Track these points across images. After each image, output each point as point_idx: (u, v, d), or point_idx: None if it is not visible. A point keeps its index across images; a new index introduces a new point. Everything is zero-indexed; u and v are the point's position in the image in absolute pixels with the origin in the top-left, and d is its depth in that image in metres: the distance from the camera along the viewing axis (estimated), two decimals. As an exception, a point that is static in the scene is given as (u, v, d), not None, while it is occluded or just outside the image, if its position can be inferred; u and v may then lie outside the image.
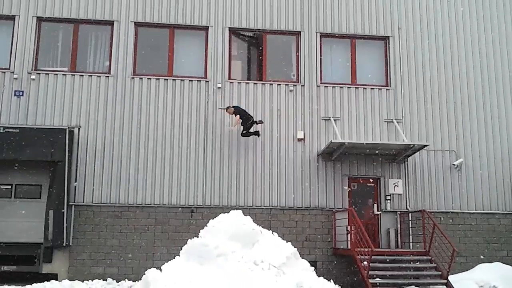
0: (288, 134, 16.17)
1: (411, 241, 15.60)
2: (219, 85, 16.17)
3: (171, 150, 15.64)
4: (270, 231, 13.73)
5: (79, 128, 15.43)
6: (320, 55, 16.86)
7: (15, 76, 15.54)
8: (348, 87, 16.67)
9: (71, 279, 14.38)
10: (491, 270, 14.39)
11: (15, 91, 15.50)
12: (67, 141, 14.84)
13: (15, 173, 15.17)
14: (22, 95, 15.50)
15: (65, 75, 15.80)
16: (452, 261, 12.92)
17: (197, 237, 13.19)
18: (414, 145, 15.28)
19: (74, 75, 15.82)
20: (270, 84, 16.44)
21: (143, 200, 15.28)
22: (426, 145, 15.54)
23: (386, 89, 16.79)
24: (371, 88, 16.74)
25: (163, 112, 15.86)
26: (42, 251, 14.65)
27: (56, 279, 14.38)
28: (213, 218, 13.36)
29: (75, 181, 15.13)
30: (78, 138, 15.36)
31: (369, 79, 16.99)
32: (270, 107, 16.27)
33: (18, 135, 14.70)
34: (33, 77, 15.58)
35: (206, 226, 13.20)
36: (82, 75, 15.84)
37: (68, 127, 15.15)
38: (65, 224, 14.53)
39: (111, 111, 15.68)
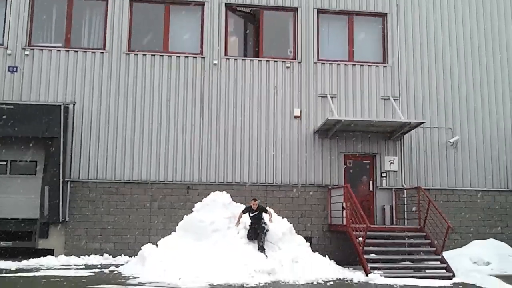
0: (285, 111, 16.11)
1: (406, 217, 15.67)
2: (215, 62, 16.04)
3: (167, 126, 15.58)
4: (267, 207, 13.83)
5: (74, 105, 15.33)
6: (317, 32, 16.72)
7: (8, 51, 15.37)
8: (345, 64, 16.57)
9: (67, 254, 14.50)
10: (485, 247, 14.52)
11: (9, 67, 15.36)
12: (62, 118, 14.76)
13: (10, 149, 15.08)
14: (16, 71, 15.36)
15: (60, 51, 15.64)
16: (446, 238, 13.01)
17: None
18: (410, 122, 15.27)
19: (68, 51, 15.66)
20: (267, 61, 16.32)
21: (139, 176, 15.28)
22: (422, 123, 15.53)
23: (383, 66, 16.69)
24: (368, 65, 16.65)
25: (158, 88, 15.75)
26: (38, 227, 14.71)
27: (53, 255, 14.50)
28: (209, 195, 13.49)
29: (71, 158, 15.07)
30: (73, 114, 15.27)
31: (366, 56, 16.89)
32: (266, 84, 16.17)
33: (13, 111, 14.63)
34: (27, 53, 15.42)
35: (201, 202, 13.28)
36: (77, 51, 15.68)
37: (63, 104, 15.05)
38: (61, 200, 14.56)
39: (106, 88, 15.57)
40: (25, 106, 14.88)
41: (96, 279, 11.01)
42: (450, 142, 16.40)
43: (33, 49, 15.53)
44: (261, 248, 12.08)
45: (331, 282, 11.22)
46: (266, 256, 11.88)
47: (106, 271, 12.30)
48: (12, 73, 15.32)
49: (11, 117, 14.49)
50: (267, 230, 12.42)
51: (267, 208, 12.96)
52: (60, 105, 14.92)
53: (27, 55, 15.41)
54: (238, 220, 12.69)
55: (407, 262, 13.15)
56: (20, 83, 15.30)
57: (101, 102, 15.49)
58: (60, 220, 14.62)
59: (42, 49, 15.56)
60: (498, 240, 15.10)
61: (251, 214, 12.57)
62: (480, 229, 16.07)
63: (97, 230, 14.93)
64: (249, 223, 12.58)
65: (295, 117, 16.08)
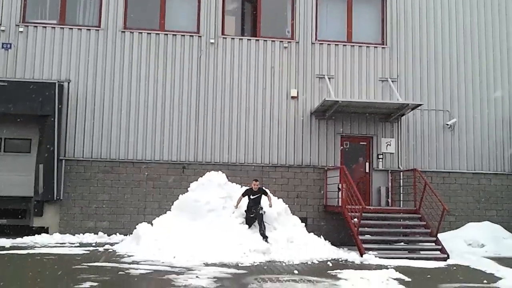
0: (282, 92, 15.98)
1: (401, 199, 15.68)
2: (212, 41, 15.84)
3: (163, 105, 15.45)
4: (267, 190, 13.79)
5: (68, 82, 15.15)
6: (316, 12, 16.49)
7: (2, 28, 15.13)
8: (344, 45, 16.40)
9: (62, 232, 14.47)
10: (480, 229, 14.56)
11: (3, 43, 15.13)
12: (56, 95, 14.61)
13: (4, 127, 14.97)
14: (10, 47, 15.14)
15: (54, 28, 15.41)
16: (442, 220, 13.00)
17: (188, 192, 13.25)
18: (408, 104, 15.16)
19: (63, 28, 15.43)
20: (264, 40, 16.13)
21: (135, 155, 15.19)
22: (420, 105, 15.41)
23: (382, 48, 16.53)
24: (367, 46, 16.49)
25: (154, 67, 15.57)
26: (32, 205, 14.65)
27: (47, 233, 14.47)
28: (204, 175, 13.45)
29: (65, 136, 14.96)
30: (68, 92, 15.11)
31: (364, 37, 16.71)
32: (263, 64, 16.01)
33: (6, 88, 14.45)
34: (21, 29, 15.18)
35: (197, 181, 13.23)
36: (72, 28, 15.45)
37: (58, 81, 14.88)
38: (55, 179, 14.48)
39: (101, 66, 15.38)
40: (19, 83, 14.70)
41: (90, 257, 10.99)
42: (448, 124, 16.33)
43: (27, 25, 15.29)
44: (264, 236, 12.00)
45: (326, 262, 11.23)
46: (270, 243, 11.83)
47: (101, 249, 12.29)
48: (6, 49, 15.11)
49: (5, 94, 14.32)
50: (264, 212, 12.38)
51: (267, 191, 12.90)
52: (55, 83, 14.74)
53: (21, 31, 15.18)
54: (237, 204, 12.65)
55: (402, 244, 13.16)
56: (14, 60, 15.08)
57: (96, 80, 15.31)
58: (55, 199, 14.56)
59: (36, 26, 15.33)
60: (493, 222, 15.13)
61: (252, 197, 12.49)
62: (476, 211, 16.09)
63: (92, 209, 14.88)
64: (246, 208, 12.51)
65: (292, 97, 15.95)
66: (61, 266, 9.81)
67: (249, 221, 12.42)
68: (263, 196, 12.63)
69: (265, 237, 11.99)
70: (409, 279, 9.33)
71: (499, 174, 16.49)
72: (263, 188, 13.06)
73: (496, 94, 16.51)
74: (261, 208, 12.38)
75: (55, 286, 7.95)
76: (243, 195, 12.65)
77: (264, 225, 12.20)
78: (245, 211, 12.51)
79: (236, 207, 12.64)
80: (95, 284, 8.15)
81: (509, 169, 16.58)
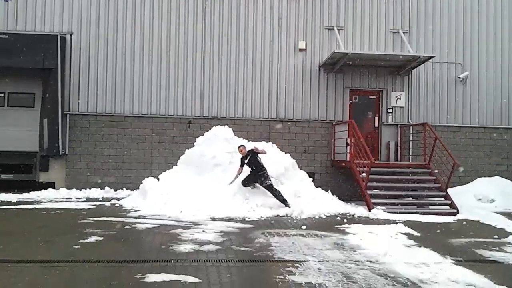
0: (289, 44, 15.54)
1: (411, 154, 15.46)
2: (218, -9, 15.33)
3: (168, 58, 15.09)
4: (270, 143, 13.63)
5: (71, 35, 14.80)
6: (325, -41, 15.86)
7: (1, -22, 14.69)
8: (354, -5, 15.83)
9: (68, 187, 14.45)
10: (490, 184, 14.38)
11: (3, -5, 14.73)
12: (59, 48, 14.28)
13: (7, 81, 14.71)
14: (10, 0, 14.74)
15: (55, -22, 14.93)
16: (452, 174, 12.78)
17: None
18: (420, 56, 14.70)
19: (64, -22, 14.95)
20: (272, -10, 15.59)
21: (140, 109, 14.96)
22: (432, 57, 14.94)
23: (393, -3, 15.97)
24: (378, -4, 15.92)
25: (159, 20, 15.12)
26: (38, 160, 14.56)
27: (54, 188, 14.46)
28: (210, 129, 13.24)
29: (69, 90, 14.71)
30: (71, 45, 14.79)
31: (375, -14, 16.10)
32: (271, 15, 15.50)
33: (7, 41, 14.11)
34: (20, -20, 14.74)
35: (203, 136, 13.05)
36: (73, -21, 14.97)
37: (60, 34, 14.53)
38: (60, 133, 14.33)
39: (104, 18, 14.96)
40: (20, 35, 14.36)
41: (96, 212, 10.95)
42: (460, 77, 15.93)
43: (27, -24, 14.81)
44: (283, 201, 11.55)
45: (334, 217, 11.13)
46: (290, 206, 11.46)
47: (107, 204, 12.26)
48: (6, 1, 14.67)
49: (6, 47, 13.98)
50: (269, 183, 11.65)
51: (256, 147, 12.08)
52: (57, 35, 14.40)
53: (21, -18, 14.73)
54: (237, 175, 11.85)
55: (411, 198, 13.01)
56: (14, 11, 14.69)
57: (99, 33, 14.93)
58: (60, 153, 14.46)
59: (36, -24, 14.85)
60: (503, 178, 14.91)
61: (246, 162, 11.81)
62: (486, 166, 15.90)
63: (98, 164, 14.79)
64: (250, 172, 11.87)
65: (300, 50, 15.52)
66: (67, 221, 9.78)
67: (249, 181, 11.79)
68: (258, 156, 11.84)
69: (284, 202, 11.55)
70: (418, 234, 9.21)
71: (510, 128, 16.17)
72: (252, 149, 11.97)
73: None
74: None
75: (61, 240, 7.87)
76: (241, 165, 11.87)
77: (277, 192, 11.64)
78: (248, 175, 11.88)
79: (235, 178, 11.78)
80: (101, 238, 8.09)
81: (521, 124, 16.28)
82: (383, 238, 8.69)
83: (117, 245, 7.70)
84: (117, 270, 6.26)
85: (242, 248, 7.62)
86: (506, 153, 16.06)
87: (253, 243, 8.03)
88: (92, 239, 8.00)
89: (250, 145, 12.46)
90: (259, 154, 11.80)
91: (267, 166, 12.02)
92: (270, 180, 11.70)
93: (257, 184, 11.78)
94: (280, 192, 11.64)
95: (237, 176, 11.81)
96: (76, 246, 7.47)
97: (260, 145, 12.52)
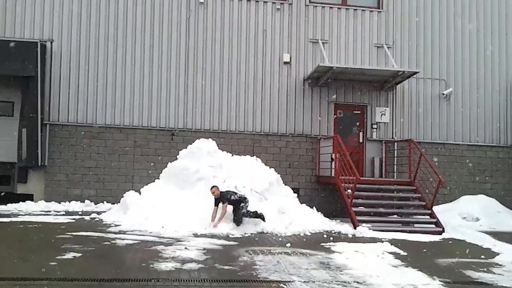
0: (274, 57, 15.42)
1: (395, 170, 15.39)
2: (202, 0, 15.13)
3: (151, 68, 14.85)
4: (254, 157, 13.44)
5: (51, 42, 14.48)
6: (310, -28, 15.83)
7: (-19, -16, 14.35)
8: (338, 8, 15.79)
9: (47, 200, 14.05)
10: (474, 202, 14.36)
11: (-18, 1, 14.37)
12: (39, 56, 13.95)
13: (-16, 89, 14.34)
14: (-11, 4, 14.39)
15: (36, -16, 14.63)
16: (437, 192, 12.69)
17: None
18: (404, 71, 14.68)
19: (45, -16, 14.66)
20: (256, 1, 15.44)
21: (122, 121, 14.66)
22: (416, 72, 14.93)
23: (378, 12, 15.95)
24: (362, 10, 15.90)
25: (141, 28, 14.90)
26: (16, 171, 14.15)
27: (32, 200, 14.05)
28: (194, 142, 12.99)
29: (49, 99, 14.35)
30: (51, 52, 14.45)
31: (360, 0, 16.08)
32: (255, 27, 15.39)
33: (-14, 47, 13.75)
34: (1, -14, 14.42)
35: (186, 149, 12.81)
36: (55, -15, 14.69)
37: (40, 41, 14.20)
38: (39, 144, 13.94)
39: (86, 25, 14.67)
40: (-1, 42, 14.00)
41: (76, 226, 10.62)
42: (444, 94, 15.95)
43: (8, -18, 14.49)
44: (238, 221, 10.89)
45: (319, 234, 10.95)
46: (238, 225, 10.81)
47: (87, 218, 11.93)
48: (-15, 8, 14.34)
49: (-16, 54, 13.63)
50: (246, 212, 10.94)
51: (224, 198, 10.82)
52: (37, 42, 14.07)
53: (1, -12, 14.40)
54: (213, 217, 10.79)
55: (396, 216, 12.87)
56: (-7, 18, 14.35)
57: (81, 40, 14.63)
58: (39, 165, 14.06)
59: (17, -18, 14.53)
60: (487, 196, 14.90)
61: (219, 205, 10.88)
62: (470, 184, 15.87)
63: (78, 176, 14.42)
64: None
65: (285, 63, 15.41)
66: (44, 235, 9.43)
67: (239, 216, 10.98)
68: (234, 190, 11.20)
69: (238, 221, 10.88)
70: (405, 253, 9.07)
71: (494, 146, 16.24)
72: (226, 193, 10.92)
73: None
74: (244, 207, 10.90)
75: (37, 256, 7.55)
76: (215, 205, 10.86)
77: (241, 216, 10.87)
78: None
79: (213, 220, 10.73)
80: (79, 254, 7.78)
81: (505, 142, 16.33)
82: (370, 258, 8.54)
83: (95, 262, 7.40)
84: (95, 291, 5.99)
85: (226, 267, 7.39)
86: (490, 171, 16.07)
87: (237, 262, 7.80)
88: (70, 255, 7.69)
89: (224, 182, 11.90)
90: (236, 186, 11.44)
91: (250, 180, 11.86)
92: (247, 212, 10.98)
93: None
94: (242, 217, 10.90)
95: (216, 216, 10.79)
96: (53, 263, 7.16)
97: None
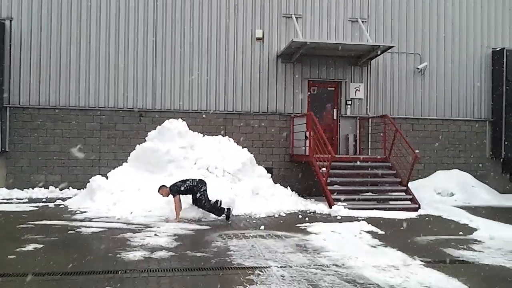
0: (246, 33, 14.91)
1: (370, 147, 15.15)
2: (170, -25, 14.49)
3: (117, 47, 14.20)
4: (226, 137, 13.03)
5: (10, 20, 13.69)
6: None
7: None
8: (312, -19, 15.32)
9: (9, 187, 13.45)
10: (449, 177, 14.28)
11: None
12: (-4, 35, 13.19)
13: None
14: None
15: (-9, -42, 13.75)
16: (413, 168, 12.49)
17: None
18: (379, 46, 14.31)
19: (1, -41, 13.78)
20: (227, -25, 14.88)
21: (86, 102, 14.02)
22: (391, 46, 14.58)
23: (352, -15, 15.56)
24: (336, -16, 15.47)
25: (106, 4, 14.19)
26: (-25, 157, 13.45)
27: (-7, 187, 13.38)
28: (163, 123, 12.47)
29: (9, 81, 13.61)
30: (10, 31, 13.67)
31: (334, -27, 15.65)
32: (226, 2, 14.81)
33: None
34: (-48, -40, 13.48)
35: (155, 130, 12.30)
36: (11, -41, 13.82)
37: (-2, 19, 13.44)
38: (-1, 128, 13.25)
39: (47, 1, 13.92)
40: (-48, 21, 13.17)
41: (38, 214, 10.10)
42: (418, 68, 15.72)
43: (-41, -45, 13.57)
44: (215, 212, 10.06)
45: (294, 215, 10.64)
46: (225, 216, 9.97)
47: (51, 205, 11.43)
48: None
49: None
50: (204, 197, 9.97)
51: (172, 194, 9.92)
52: (-6, 21, 13.30)
53: (-48, -38, 13.48)
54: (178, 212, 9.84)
55: (371, 194, 12.65)
56: None
57: (42, 18, 13.88)
58: (0, 150, 13.36)
59: (-31, -44, 13.63)
60: (462, 170, 14.81)
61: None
62: (444, 159, 15.77)
63: (42, 161, 13.79)
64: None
65: (257, 39, 14.92)
66: (4, 225, 8.94)
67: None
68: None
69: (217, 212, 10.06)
70: (382, 232, 8.85)
71: (469, 120, 16.14)
72: (173, 185, 9.92)
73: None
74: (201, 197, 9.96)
75: (-7, 250, 7.03)
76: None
77: (208, 204, 9.96)
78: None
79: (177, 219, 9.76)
80: (40, 246, 7.29)
81: (478, 115, 16.21)
82: (347, 238, 8.28)
83: (57, 253, 6.91)
84: (56, 285, 5.52)
85: (198, 254, 7.00)
86: (464, 146, 15.99)
87: (210, 248, 7.42)
88: (31, 247, 7.19)
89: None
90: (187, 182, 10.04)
91: (222, 160, 11.45)
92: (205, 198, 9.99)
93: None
94: (210, 203, 9.98)
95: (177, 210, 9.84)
96: (11, 256, 6.66)
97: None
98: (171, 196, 9.90)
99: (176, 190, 9.86)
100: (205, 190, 9.97)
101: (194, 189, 9.96)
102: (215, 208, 9.98)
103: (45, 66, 13.85)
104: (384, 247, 7.66)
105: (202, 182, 10.03)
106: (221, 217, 9.94)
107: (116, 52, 14.18)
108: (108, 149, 14.02)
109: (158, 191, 10.02)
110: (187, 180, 10.04)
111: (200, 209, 10.08)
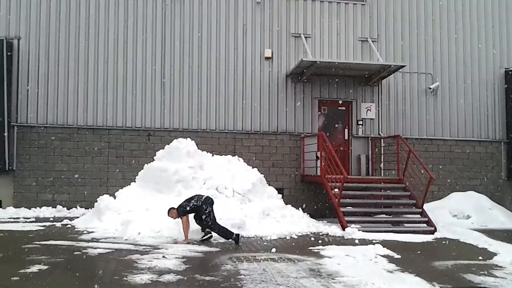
0: (255, 52, 14.79)
1: (382, 168, 14.86)
2: (179, -5, 14.46)
3: (125, 66, 14.11)
4: (236, 157, 12.82)
5: (19, 40, 13.66)
6: (291, -35, 15.23)
7: None
8: (321, 1, 15.22)
9: (16, 206, 13.27)
10: (464, 199, 13.90)
11: None
12: (5, 54, 13.22)
13: None
14: (-48, 0, 13.51)
15: (1, -23, 13.78)
16: (428, 190, 12.16)
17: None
18: (390, 65, 14.13)
19: (12, -22, 13.81)
20: (235, -6, 14.83)
21: (94, 121, 13.88)
22: (402, 66, 14.40)
23: (362, 4, 15.43)
24: (345, 3, 15.36)
25: (114, 23, 14.15)
26: (-18, 176, 13.30)
27: (0, 206, 13.27)
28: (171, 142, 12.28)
29: (17, 100, 13.52)
30: (19, 50, 13.64)
31: (343, -8, 15.59)
32: (235, 22, 14.74)
33: None
34: (-37, -21, 13.53)
35: (163, 149, 12.11)
36: (22, -21, 13.84)
37: (6, 38, 13.45)
38: (6, 147, 13.17)
39: (55, 21, 13.89)
40: (-39, 39, 13.16)
41: (45, 234, 9.87)
42: (430, 88, 15.49)
43: (-30, -25, 13.61)
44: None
45: (306, 237, 10.34)
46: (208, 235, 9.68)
47: (58, 224, 11.19)
48: None
49: None
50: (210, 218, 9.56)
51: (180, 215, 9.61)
52: (3, 40, 13.29)
53: (-37, -19, 13.52)
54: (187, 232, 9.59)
55: (385, 216, 12.32)
56: (-44, 14, 13.46)
57: (50, 37, 13.83)
58: (7, 169, 13.26)
59: (-20, -25, 13.66)
60: (477, 192, 14.45)
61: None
62: (459, 180, 15.43)
63: (49, 180, 13.60)
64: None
65: (266, 58, 14.79)
66: (9, 245, 8.66)
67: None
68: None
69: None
70: (399, 256, 8.51)
71: (483, 141, 15.84)
72: (179, 206, 9.63)
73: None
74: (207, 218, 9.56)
75: (-4, 272, 6.79)
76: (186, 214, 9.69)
77: (214, 226, 9.58)
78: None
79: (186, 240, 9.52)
80: (45, 267, 7.04)
81: (493, 136, 15.91)
82: (363, 262, 7.94)
83: (62, 276, 6.66)
84: (58, 311, 5.28)
85: (207, 278, 6.71)
86: (479, 167, 15.66)
87: (219, 271, 7.13)
88: (35, 268, 6.94)
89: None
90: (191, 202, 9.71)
91: (232, 180, 11.21)
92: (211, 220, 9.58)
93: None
94: (218, 227, 9.60)
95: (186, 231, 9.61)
96: (15, 278, 6.41)
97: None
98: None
99: (182, 211, 9.57)
100: (211, 211, 9.57)
101: (199, 210, 9.62)
102: (222, 231, 9.60)
103: (53, 85, 13.77)
104: (401, 272, 7.34)
105: (207, 203, 9.62)
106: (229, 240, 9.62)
107: (125, 71, 14.09)
108: (116, 169, 13.82)
109: (168, 214, 9.72)
110: (192, 199, 9.71)
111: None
